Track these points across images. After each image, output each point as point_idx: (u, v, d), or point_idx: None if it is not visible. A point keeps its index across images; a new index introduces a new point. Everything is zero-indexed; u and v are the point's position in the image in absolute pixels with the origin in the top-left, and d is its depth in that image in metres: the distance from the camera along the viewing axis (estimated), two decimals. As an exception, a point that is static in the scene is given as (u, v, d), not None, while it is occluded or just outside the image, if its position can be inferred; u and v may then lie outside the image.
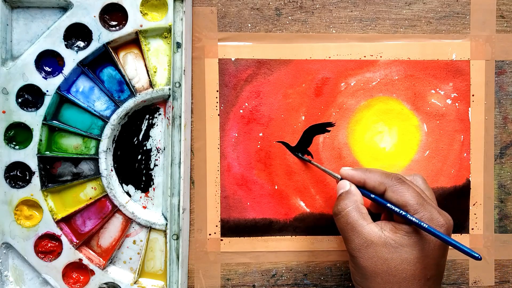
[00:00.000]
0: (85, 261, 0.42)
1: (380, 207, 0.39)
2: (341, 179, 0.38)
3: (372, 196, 0.36)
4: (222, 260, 0.44)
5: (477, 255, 0.32)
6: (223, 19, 0.44)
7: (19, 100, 0.42)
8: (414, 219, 0.34)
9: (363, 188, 0.37)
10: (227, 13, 0.44)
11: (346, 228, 0.36)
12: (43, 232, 0.42)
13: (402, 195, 0.35)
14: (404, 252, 0.34)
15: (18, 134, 0.42)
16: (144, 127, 0.43)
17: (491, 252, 0.45)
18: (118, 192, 0.43)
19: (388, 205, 0.35)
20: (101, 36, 0.41)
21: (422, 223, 0.33)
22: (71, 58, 0.41)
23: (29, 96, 0.42)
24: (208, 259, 0.44)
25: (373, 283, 0.35)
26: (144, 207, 0.43)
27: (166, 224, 0.42)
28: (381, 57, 0.44)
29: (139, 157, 0.43)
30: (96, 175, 0.42)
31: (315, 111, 0.44)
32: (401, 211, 0.34)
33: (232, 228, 0.44)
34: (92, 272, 0.43)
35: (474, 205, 0.45)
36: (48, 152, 0.42)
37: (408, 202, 0.35)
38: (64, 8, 0.42)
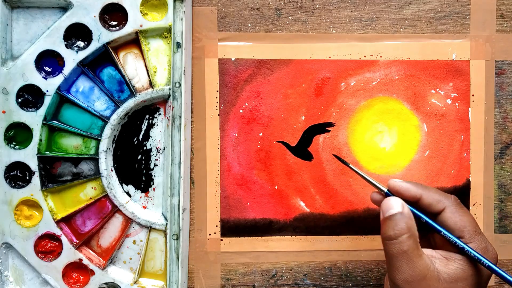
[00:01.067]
0: (85, 261, 0.42)
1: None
2: (388, 191, 0.34)
3: (427, 219, 0.33)
4: (222, 260, 0.44)
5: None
6: (223, 19, 0.44)
7: (19, 100, 0.42)
8: (472, 250, 0.31)
9: (414, 205, 0.33)
10: (227, 13, 0.44)
11: (400, 257, 0.31)
12: (43, 232, 0.42)
13: (462, 219, 0.32)
14: (458, 287, 0.31)
15: (18, 134, 0.42)
16: (144, 127, 0.43)
17: (491, 252, 0.45)
18: (118, 192, 0.43)
19: (443, 230, 0.32)
20: (101, 36, 0.41)
21: (480, 256, 0.31)
22: (71, 58, 0.41)
23: (29, 96, 0.42)
24: (208, 259, 0.44)
25: None
26: (144, 207, 0.43)
27: (166, 224, 0.42)
28: (381, 57, 0.44)
29: (139, 157, 0.43)
30: (96, 175, 0.42)
31: (315, 111, 0.44)
32: (458, 240, 0.31)
33: (232, 228, 0.44)
34: (92, 272, 0.43)
35: (474, 205, 0.45)
36: (48, 152, 0.42)
37: (466, 228, 0.32)
38: (64, 8, 0.42)
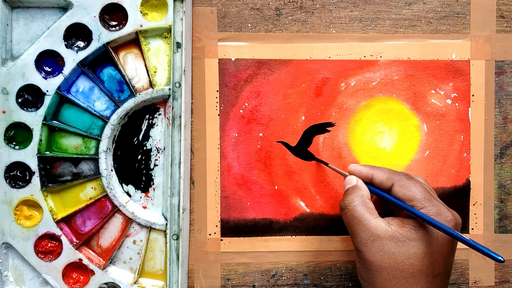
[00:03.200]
0: (85, 261, 0.42)
1: (385, 205, 0.39)
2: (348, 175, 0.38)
3: (379, 191, 0.36)
4: (222, 260, 0.44)
5: (482, 248, 0.32)
6: (223, 19, 0.44)
7: (19, 100, 0.42)
8: (421, 213, 0.33)
9: (370, 184, 0.37)
10: (227, 13, 0.44)
11: (353, 222, 0.35)
12: (43, 232, 0.42)
13: (410, 190, 0.35)
14: (411, 247, 0.34)
15: (18, 134, 0.42)
16: (144, 127, 0.43)
17: (491, 252, 0.45)
18: (118, 192, 0.43)
19: (395, 200, 0.35)
20: (101, 36, 0.41)
21: (429, 218, 0.33)
22: (71, 58, 0.41)
23: (29, 96, 0.42)
24: (208, 259, 0.44)
25: (379, 278, 0.34)
26: (144, 207, 0.43)
27: (166, 224, 0.42)
28: (381, 57, 0.44)
29: (139, 157, 0.43)
30: (96, 175, 0.42)
31: (315, 111, 0.44)
32: (407, 206, 0.34)
33: (232, 228, 0.44)
34: (92, 272, 0.43)
35: (474, 205, 0.45)
36: (48, 152, 0.42)
37: (415, 197, 0.34)
38: (64, 8, 0.42)
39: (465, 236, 0.33)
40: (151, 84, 0.42)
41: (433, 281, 0.34)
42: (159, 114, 0.43)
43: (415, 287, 0.34)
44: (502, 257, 0.31)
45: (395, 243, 0.34)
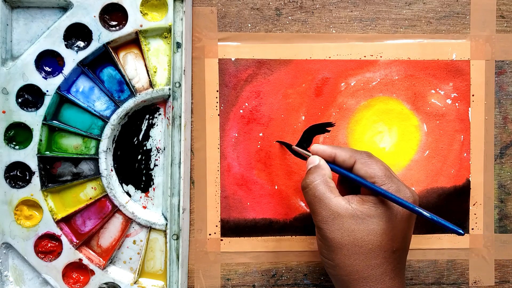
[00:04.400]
0: (85, 261, 0.42)
1: (347, 185, 0.40)
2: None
3: (341, 170, 0.37)
4: (222, 260, 0.44)
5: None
6: (223, 19, 0.44)
7: (19, 100, 0.42)
8: (382, 190, 0.34)
9: (333, 163, 0.38)
10: (227, 13, 0.44)
11: (314, 201, 0.36)
12: (43, 232, 0.42)
13: (371, 167, 0.36)
14: (370, 223, 0.34)
15: (18, 134, 0.42)
16: (144, 127, 0.43)
17: (491, 252, 0.45)
18: (118, 192, 0.43)
19: (356, 177, 0.36)
20: (101, 36, 0.41)
21: (390, 194, 0.34)
22: (71, 58, 0.41)
23: (29, 96, 0.42)
24: (208, 259, 0.44)
25: (339, 254, 0.35)
26: (144, 207, 0.43)
27: (166, 224, 0.42)
28: (381, 57, 0.44)
29: (139, 157, 0.43)
30: (96, 175, 0.42)
31: (315, 111, 0.44)
32: (369, 183, 0.35)
33: (232, 228, 0.44)
34: (92, 272, 0.43)
35: (474, 205, 0.45)
36: (48, 152, 0.42)
37: (376, 174, 0.35)
38: (64, 8, 0.42)
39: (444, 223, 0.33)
40: (151, 84, 0.42)
41: (392, 256, 0.35)
42: (159, 114, 0.43)
43: (374, 262, 0.34)
44: (462, 230, 0.32)
45: (355, 221, 0.34)
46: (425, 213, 0.33)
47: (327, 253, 0.36)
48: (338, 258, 0.35)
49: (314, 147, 0.39)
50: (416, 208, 0.33)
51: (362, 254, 0.34)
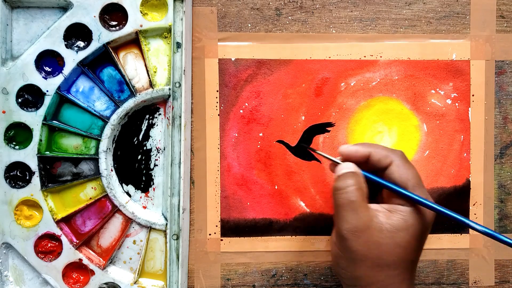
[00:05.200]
0: (85, 261, 0.42)
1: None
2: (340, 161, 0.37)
3: (376, 178, 0.35)
4: (222, 260, 0.44)
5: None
6: (223, 19, 0.44)
7: (19, 100, 0.42)
8: (419, 197, 0.33)
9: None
10: (227, 13, 0.44)
11: (347, 207, 0.34)
12: (43, 232, 0.42)
13: (406, 172, 0.34)
14: (397, 237, 0.33)
15: (18, 134, 0.42)
16: (144, 127, 0.43)
17: (491, 252, 0.45)
18: (118, 192, 0.43)
19: (391, 185, 0.34)
20: (101, 36, 0.41)
21: (429, 202, 0.33)
22: (71, 58, 0.41)
23: (29, 96, 0.42)
24: (208, 259, 0.44)
25: (362, 267, 0.34)
26: (144, 207, 0.43)
27: (166, 224, 0.42)
28: (381, 57, 0.44)
29: (139, 157, 0.43)
30: (96, 175, 0.42)
31: (315, 111, 0.44)
32: (403, 190, 0.34)
33: (232, 228, 0.44)
34: (92, 272, 0.43)
35: (474, 205, 0.45)
36: (48, 152, 0.42)
37: (410, 180, 0.34)
38: (64, 8, 0.42)
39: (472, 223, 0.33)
40: (151, 84, 0.42)
41: (410, 266, 0.35)
42: (159, 114, 0.43)
43: (395, 272, 0.34)
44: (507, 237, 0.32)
45: (383, 234, 0.33)
46: (462, 218, 0.33)
47: (347, 264, 0.34)
48: (359, 271, 0.34)
49: (344, 148, 0.36)
50: (454, 215, 0.33)
51: (385, 265, 0.33)
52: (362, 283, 0.34)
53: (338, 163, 0.37)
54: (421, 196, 0.34)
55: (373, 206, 0.35)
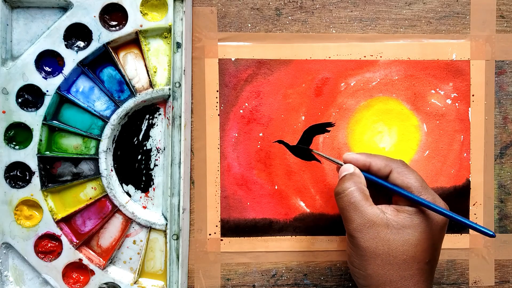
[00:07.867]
0: (85, 261, 0.42)
1: (377, 194, 0.39)
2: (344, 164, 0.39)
3: (377, 179, 0.37)
4: (222, 260, 0.44)
5: (489, 232, 0.33)
6: (223, 19, 0.44)
7: (19, 100, 0.42)
8: (421, 199, 0.34)
9: (366, 172, 0.37)
10: (227, 13, 0.44)
11: (348, 208, 0.35)
12: (43, 232, 0.42)
13: (407, 177, 0.36)
14: (405, 234, 0.34)
15: (18, 134, 0.42)
16: (144, 127, 0.43)
17: (491, 252, 0.45)
18: (118, 192, 0.43)
19: (393, 187, 0.36)
20: (101, 36, 0.41)
21: (430, 203, 0.34)
22: (71, 58, 0.41)
23: (29, 96, 0.42)
24: (208, 259, 0.44)
25: (372, 264, 0.34)
26: (144, 207, 0.43)
27: (166, 224, 0.42)
28: (381, 57, 0.44)
29: (139, 157, 0.43)
30: (96, 175, 0.42)
31: (315, 111, 0.44)
32: (407, 192, 0.35)
33: (232, 228, 0.44)
34: (92, 272, 0.43)
35: (474, 205, 0.45)
36: (48, 152, 0.42)
37: (413, 185, 0.35)
38: (64, 8, 0.42)
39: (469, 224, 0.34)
40: (151, 84, 0.42)
41: (424, 268, 0.35)
42: (159, 114, 0.43)
43: (407, 273, 0.34)
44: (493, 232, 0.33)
45: (390, 230, 0.34)
46: (465, 219, 0.33)
47: (359, 262, 0.35)
48: (371, 268, 0.34)
49: (347, 155, 0.38)
50: (456, 216, 0.34)
51: (396, 264, 0.34)
52: (374, 282, 0.34)
53: (338, 164, 0.39)
54: (420, 197, 0.35)
55: (382, 206, 0.36)
